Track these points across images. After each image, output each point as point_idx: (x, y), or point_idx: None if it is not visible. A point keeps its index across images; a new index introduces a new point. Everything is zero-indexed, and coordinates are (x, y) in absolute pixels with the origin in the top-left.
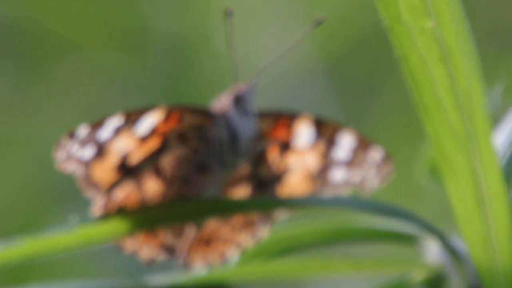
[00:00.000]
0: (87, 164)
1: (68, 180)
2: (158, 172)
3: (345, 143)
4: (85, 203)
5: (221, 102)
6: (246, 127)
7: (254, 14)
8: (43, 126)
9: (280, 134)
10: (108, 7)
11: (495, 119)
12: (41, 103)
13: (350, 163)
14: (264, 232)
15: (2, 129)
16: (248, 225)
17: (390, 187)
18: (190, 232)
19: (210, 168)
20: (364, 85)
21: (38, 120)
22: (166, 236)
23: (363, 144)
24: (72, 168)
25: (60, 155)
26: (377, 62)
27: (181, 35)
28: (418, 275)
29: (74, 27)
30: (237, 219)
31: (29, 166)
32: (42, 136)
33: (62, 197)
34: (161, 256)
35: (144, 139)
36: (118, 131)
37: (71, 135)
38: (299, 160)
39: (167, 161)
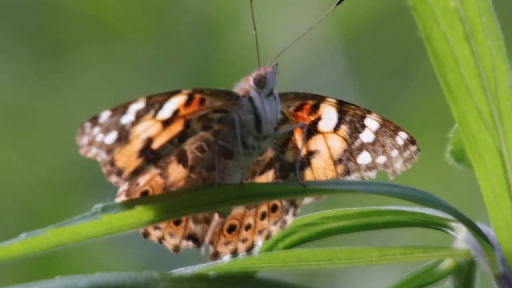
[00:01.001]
0: (110, 149)
1: (93, 166)
2: (181, 157)
3: (369, 126)
4: (110, 189)
5: (243, 85)
6: (269, 109)
7: None
8: (69, 110)
9: (304, 117)
10: None
11: None
12: (66, 87)
13: (375, 147)
14: (288, 217)
15: (27, 114)
16: (273, 211)
17: (421, 172)
18: (215, 219)
19: (233, 152)
20: (385, 66)
21: (63, 104)
22: (190, 223)
23: (387, 127)
24: (95, 153)
25: (82, 141)
26: (397, 42)
27: (210, 17)
28: (447, 263)
29: (102, 9)
30: (262, 205)
31: (54, 153)
32: (68, 121)
33: (87, 183)
34: (186, 244)
35: (166, 123)
36: (140, 115)
37: (94, 120)
38: (324, 144)
39: (190, 146)
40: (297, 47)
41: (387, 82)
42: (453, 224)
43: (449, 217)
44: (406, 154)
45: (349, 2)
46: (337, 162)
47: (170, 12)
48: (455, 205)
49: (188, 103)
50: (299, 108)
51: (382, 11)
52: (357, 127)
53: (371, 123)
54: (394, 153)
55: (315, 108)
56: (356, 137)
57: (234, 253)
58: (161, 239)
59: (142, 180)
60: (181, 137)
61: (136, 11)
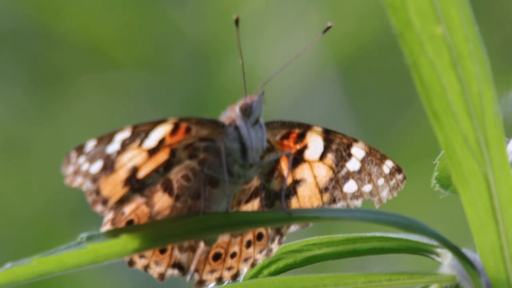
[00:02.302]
0: (96, 179)
1: (80, 195)
2: (167, 186)
3: (356, 155)
4: (96, 219)
5: (229, 113)
6: (255, 138)
7: (270, 24)
8: (65, 139)
9: (291, 145)
10: (131, 20)
11: (507, 126)
12: (62, 116)
13: (361, 175)
14: (274, 246)
15: (23, 143)
16: (258, 239)
17: (411, 199)
18: (200, 247)
19: (219, 181)
20: (379, 94)
21: (59, 133)
22: (175, 251)
23: (373, 156)
24: (80, 182)
25: (68, 170)
26: (392, 70)
27: (207, 45)
28: None
29: (99, 38)
30: (247, 233)
31: (48, 182)
32: (56, 151)
33: (74, 212)
34: (171, 272)
35: (152, 152)
36: (126, 144)
37: (79, 149)
38: (310, 173)
39: (176, 175)
40: (291, 74)
41: (381, 110)
42: (438, 250)
43: (435, 243)
44: (392, 182)
45: (344, 30)
46: (323, 190)
47: (167, 41)
48: (442, 231)
49: (174, 132)
50: (285, 137)
51: (377, 39)
52: (343, 156)
53: (358, 151)
54: (380, 181)
55: (301, 137)
56: (343, 166)
57: (219, 281)
58: (146, 268)
59: (128, 209)
60: (167, 166)
61: (132, 40)
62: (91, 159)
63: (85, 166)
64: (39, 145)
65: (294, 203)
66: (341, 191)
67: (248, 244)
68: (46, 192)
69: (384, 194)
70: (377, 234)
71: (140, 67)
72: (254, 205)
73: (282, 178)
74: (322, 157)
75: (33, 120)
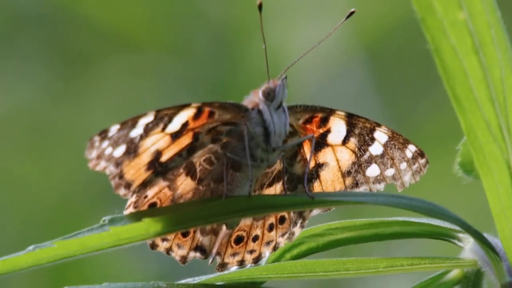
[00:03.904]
0: (119, 163)
1: (104, 178)
2: (189, 170)
3: (378, 139)
4: (119, 202)
5: (252, 98)
6: (277, 122)
7: (294, 7)
8: (85, 124)
9: (313, 129)
10: (156, 3)
11: None
12: (88, 100)
13: (384, 159)
14: (296, 229)
15: (43, 125)
16: (281, 223)
17: (432, 184)
18: (222, 230)
19: (242, 165)
20: (400, 78)
21: (85, 117)
22: (198, 234)
23: (396, 140)
24: (103, 166)
25: (92, 154)
26: (414, 54)
27: (231, 28)
28: (454, 273)
29: (124, 22)
30: (270, 217)
31: (65, 164)
32: (82, 134)
33: (98, 195)
34: (193, 255)
35: (175, 136)
36: (149, 129)
37: (103, 133)
38: (333, 156)
39: (199, 158)
40: (317, 59)
41: (406, 94)
42: (460, 235)
43: (457, 227)
44: (415, 166)
45: (369, 14)
46: (345, 174)
47: (191, 24)
48: (463, 216)
49: (197, 116)
50: (308, 121)
51: (403, 23)
52: (366, 140)
53: (380, 136)
54: (403, 165)
55: (324, 121)
56: (365, 150)
57: (241, 264)
58: (168, 250)
59: (151, 192)
60: (190, 149)
61: (157, 23)
62: (115, 143)
63: (108, 150)
64: (65, 127)
65: (316, 187)
66: (364, 175)
67: (271, 228)
68: (70, 174)
69: (407, 178)
70: (399, 218)
71: (164, 50)
72: (276, 188)
73: (305, 162)
74: (344, 141)
75: (59, 103)
